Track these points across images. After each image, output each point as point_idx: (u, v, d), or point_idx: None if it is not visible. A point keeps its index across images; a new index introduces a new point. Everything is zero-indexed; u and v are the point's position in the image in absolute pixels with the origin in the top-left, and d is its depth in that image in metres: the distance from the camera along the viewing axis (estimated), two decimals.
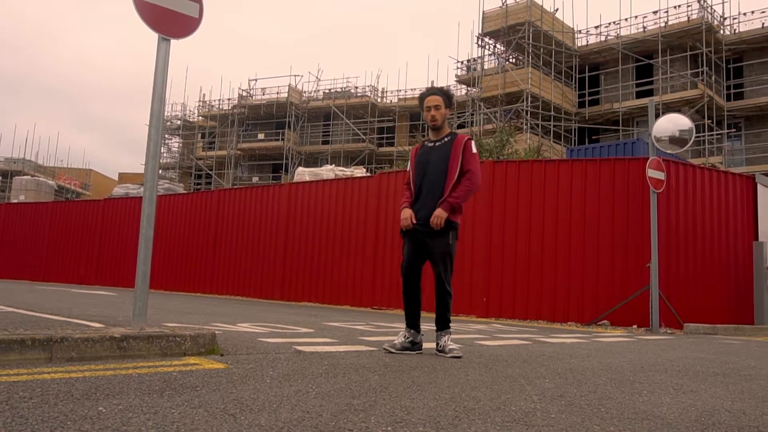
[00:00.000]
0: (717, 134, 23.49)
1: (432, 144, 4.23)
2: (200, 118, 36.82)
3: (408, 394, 2.56)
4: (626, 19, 26.04)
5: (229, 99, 35.68)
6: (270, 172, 34.39)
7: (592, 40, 27.10)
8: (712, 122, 23.10)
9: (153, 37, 3.72)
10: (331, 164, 24.21)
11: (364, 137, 32.32)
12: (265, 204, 13.88)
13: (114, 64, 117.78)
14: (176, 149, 37.57)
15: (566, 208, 9.63)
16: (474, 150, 4.14)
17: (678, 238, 9.38)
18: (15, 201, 26.67)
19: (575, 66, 26.73)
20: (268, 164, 34.40)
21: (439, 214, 3.96)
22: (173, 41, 3.78)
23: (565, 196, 9.68)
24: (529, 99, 24.47)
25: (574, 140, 26.19)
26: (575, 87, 26.90)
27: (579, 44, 27.32)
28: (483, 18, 26.37)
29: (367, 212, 11.80)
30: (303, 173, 16.61)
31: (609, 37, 26.29)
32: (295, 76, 39.13)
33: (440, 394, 2.59)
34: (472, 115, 26.78)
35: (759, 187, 10.32)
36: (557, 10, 26.72)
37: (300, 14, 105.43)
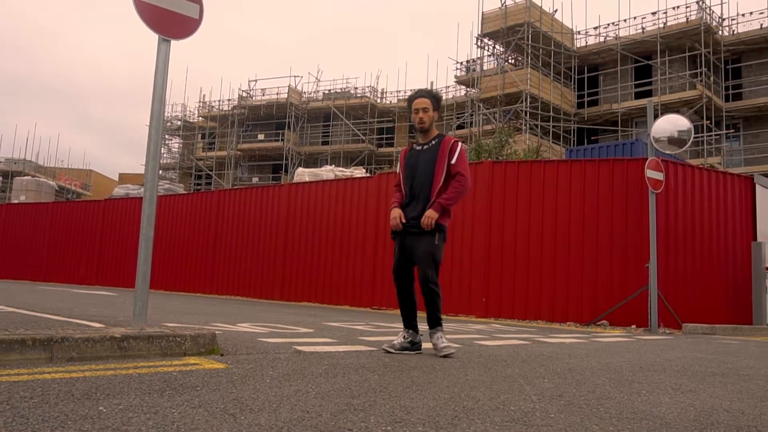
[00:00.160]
0: (715, 135, 23.52)
1: (420, 147, 4.25)
2: (200, 118, 36.83)
3: (407, 393, 2.57)
4: (625, 20, 26.10)
5: (229, 100, 35.74)
6: (270, 173, 34.41)
7: (591, 41, 27.14)
8: (711, 123, 23.13)
9: (153, 37, 3.73)
10: (330, 165, 24.24)
11: (363, 138, 32.34)
12: (265, 204, 13.88)
13: (114, 65, 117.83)
14: (176, 150, 37.58)
15: (565, 208, 9.65)
16: (463, 152, 4.15)
17: (676, 238, 9.39)
18: (16, 201, 26.67)
19: (574, 67, 26.76)
20: (268, 165, 34.42)
21: (430, 215, 3.97)
22: (173, 42, 3.79)
23: (564, 196, 9.69)
24: (529, 100, 24.49)
25: (573, 141, 26.22)
26: (574, 88, 26.92)
27: (578, 45, 27.35)
28: (482, 19, 26.39)
29: (367, 212, 11.81)
30: (303, 174, 16.62)
31: (608, 38, 26.32)
32: (294, 76, 39.07)
33: (439, 394, 2.59)
34: (472, 115, 26.80)
35: (757, 187, 10.33)
36: (556, 11, 26.78)
37: (300, 15, 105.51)
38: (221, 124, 34.76)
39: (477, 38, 26.64)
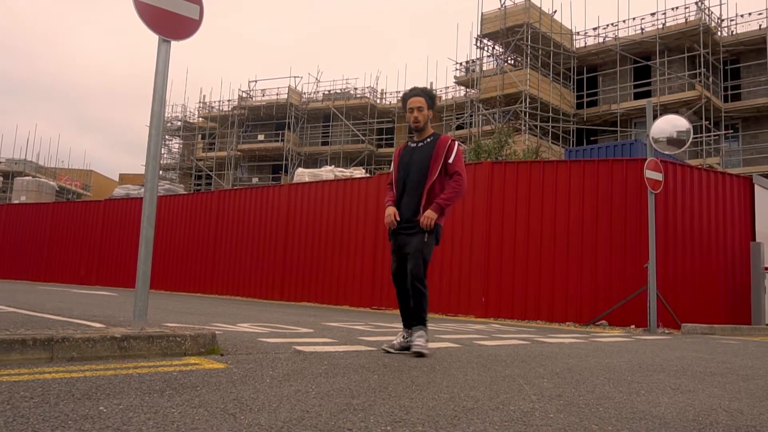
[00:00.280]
0: (714, 135, 23.54)
1: (415, 144, 4.25)
2: (200, 119, 36.85)
3: (407, 393, 2.58)
4: (624, 21, 26.11)
5: (229, 100, 35.76)
6: (270, 173, 34.42)
7: (591, 41, 27.16)
8: (710, 123, 23.15)
9: (153, 38, 3.73)
10: (330, 165, 24.27)
11: (363, 138, 32.35)
12: (264, 205, 13.89)
13: (114, 66, 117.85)
14: (177, 150, 37.59)
15: (564, 208, 9.66)
16: (459, 151, 4.15)
17: (676, 238, 9.40)
18: (16, 202, 26.66)
19: (573, 67, 26.78)
20: (268, 165, 34.43)
21: (430, 215, 3.97)
22: (173, 43, 3.80)
23: (564, 196, 9.70)
24: (528, 100, 24.51)
25: (573, 141, 26.24)
26: (573, 88, 26.94)
27: (577, 46, 27.37)
28: (482, 20, 26.41)
29: (367, 213, 11.82)
30: (303, 174, 16.62)
31: (607, 39, 26.34)
32: (294, 77, 39.11)
33: (439, 394, 2.60)
34: (471, 116, 26.82)
35: (756, 187, 10.35)
36: (555, 11, 26.83)
37: (300, 16, 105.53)
38: (221, 125, 34.77)
39: (476, 39, 26.67)
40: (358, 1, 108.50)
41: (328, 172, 16.22)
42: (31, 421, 1.81)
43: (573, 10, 59.43)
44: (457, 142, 4.22)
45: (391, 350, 4.06)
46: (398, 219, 4.10)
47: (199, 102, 37.74)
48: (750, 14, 25.13)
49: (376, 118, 32.62)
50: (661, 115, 10.00)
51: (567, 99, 26.54)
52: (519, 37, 25.20)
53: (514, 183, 10.04)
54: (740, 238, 10.04)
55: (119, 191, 22.28)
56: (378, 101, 33.88)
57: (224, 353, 3.50)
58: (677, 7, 24.94)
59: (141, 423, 1.85)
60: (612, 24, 26.43)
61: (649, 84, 25.13)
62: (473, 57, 28.80)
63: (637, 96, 25.28)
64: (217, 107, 35.83)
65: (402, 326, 4.20)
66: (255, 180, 33.83)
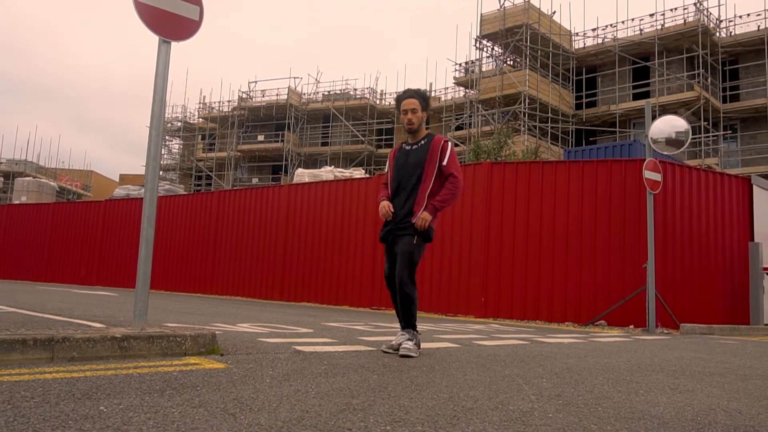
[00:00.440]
0: (713, 136, 23.56)
1: (409, 146, 4.25)
2: (200, 119, 36.85)
3: (406, 393, 2.58)
4: (623, 22, 26.13)
5: (229, 101, 35.75)
6: (270, 174, 34.42)
7: (590, 42, 27.18)
8: (708, 124, 23.17)
9: (153, 39, 3.74)
10: (330, 166, 24.27)
11: (363, 139, 32.35)
12: (264, 205, 13.90)
13: (115, 67, 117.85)
14: (177, 151, 37.60)
15: (563, 209, 9.67)
16: (453, 152, 4.14)
17: (674, 238, 9.42)
18: (17, 202, 26.65)
19: (572, 68, 26.80)
20: (268, 165, 34.44)
21: (425, 217, 3.97)
22: (174, 43, 3.80)
23: (563, 197, 9.71)
24: (527, 101, 24.52)
25: (572, 142, 26.26)
26: (572, 89, 26.96)
27: (576, 47, 27.39)
28: (481, 20, 26.43)
29: (366, 213, 11.83)
30: (302, 174, 16.63)
31: (606, 40, 26.36)
32: (294, 78, 39.17)
33: (438, 394, 2.61)
34: (470, 116, 26.83)
35: (755, 188, 10.36)
36: (555, 12, 26.82)
37: (300, 16, 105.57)
38: (221, 125, 34.77)
39: (476, 40, 26.68)
40: (358, 1, 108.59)
41: (327, 173, 16.23)
42: (32, 420, 1.82)
43: (572, 11, 59.63)
44: (450, 143, 4.21)
45: (390, 351, 4.06)
46: (392, 209, 4.08)
47: (199, 103, 37.78)
48: (748, 15, 25.19)
49: (375, 118, 32.63)
50: (660, 115, 10.02)
51: (566, 100, 26.56)
52: (518, 38, 25.21)
53: (514, 183, 10.05)
54: (739, 238, 10.05)
55: (119, 192, 22.28)
56: (378, 102, 33.89)
57: (224, 353, 3.51)
58: (676, 8, 24.99)
59: (141, 423, 1.86)
60: (611, 25, 26.46)
61: (647, 85, 25.15)
62: (473, 58, 28.84)
63: (636, 97, 25.31)
64: (217, 108, 35.84)
65: (400, 327, 4.21)
66: (255, 180, 33.84)
